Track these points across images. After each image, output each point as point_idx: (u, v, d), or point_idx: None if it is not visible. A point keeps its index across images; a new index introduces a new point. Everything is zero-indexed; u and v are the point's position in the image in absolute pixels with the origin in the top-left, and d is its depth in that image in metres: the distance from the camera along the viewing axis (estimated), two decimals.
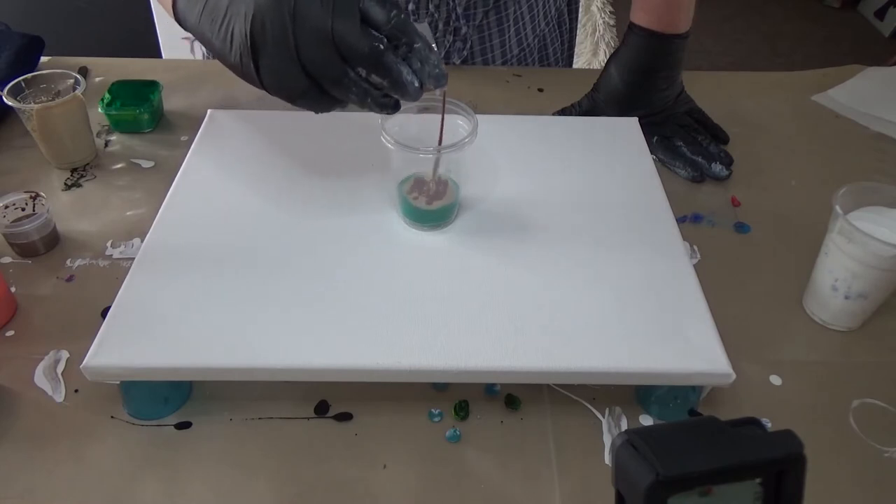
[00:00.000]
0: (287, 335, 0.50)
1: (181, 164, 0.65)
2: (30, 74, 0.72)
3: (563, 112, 0.81)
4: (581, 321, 0.52)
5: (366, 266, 0.56)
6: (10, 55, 0.82)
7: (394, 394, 0.53)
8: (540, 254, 0.57)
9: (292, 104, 0.51)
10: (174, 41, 1.60)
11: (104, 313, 0.57)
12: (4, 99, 0.70)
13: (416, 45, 0.48)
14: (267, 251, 0.57)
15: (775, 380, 0.56)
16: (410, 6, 0.83)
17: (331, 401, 0.53)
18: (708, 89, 0.86)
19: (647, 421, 0.53)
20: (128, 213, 0.69)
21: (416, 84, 0.49)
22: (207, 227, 0.59)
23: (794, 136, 0.82)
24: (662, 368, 0.49)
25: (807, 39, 2.91)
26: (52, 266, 0.63)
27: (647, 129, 0.73)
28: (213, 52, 0.53)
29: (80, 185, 0.72)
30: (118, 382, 0.50)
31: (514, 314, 0.52)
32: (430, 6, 0.84)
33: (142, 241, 0.61)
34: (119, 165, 0.75)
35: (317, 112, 0.52)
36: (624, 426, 0.52)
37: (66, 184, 0.73)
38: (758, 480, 0.29)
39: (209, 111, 0.72)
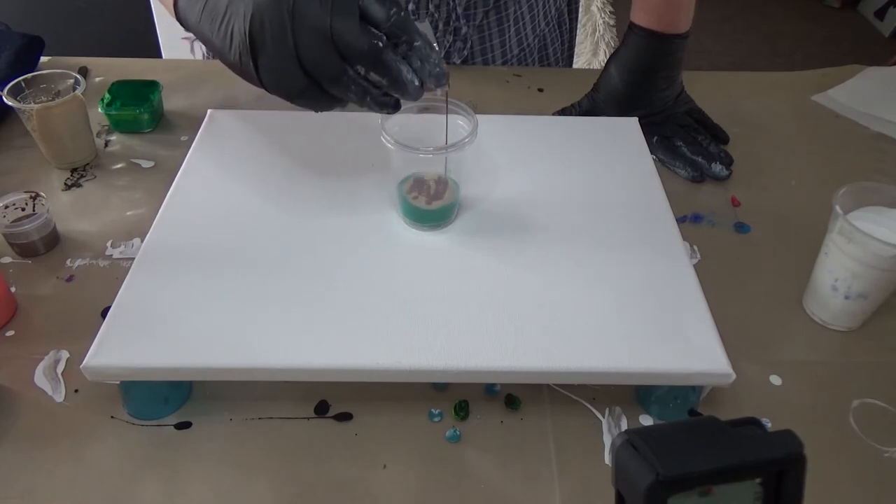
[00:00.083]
0: (287, 335, 0.50)
1: (181, 164, 0.65)
2: (30, 74, 0.72)
3: (563, 112, 0.81)
4: (581, 321, 0.52)
5: (366, 266, 0.56)
6: (10, 55, 0.82)
7: (394, 394, 0.53)
8: (540, 254, 0.57)
9: (292, 103, 0.51)
10: (174, 41, 1.61)
11: (104, 313, 0.57)
12: (4, 99, 0.70)
13: (416, 44, 0.48)
14: (267, 251, 0.57)
15: (775, 380, 0.56)
16: (410, 6, 0.83)
17: (331, 401, 0.53)
18: (708, 89, 0.86)
19: (647, 421, 0.53)
20: (128, 213, 0.69)
21: (416, 83, 0.49)
22: (207, 227, 0.59)
23: (794, 136, 0.82)
24: (662, 368, 0.49)
25: (807, 39, 2.91)
26: (52, 266, 0.63)
27: (647, 129, 0.73)
28: (213, 51, 0.53)
29: (80, 185, 0.72)
30: (118, 382, 0.50)
31: (514, 314, 0.52)
32: (430, 6, 0.84)
33: (142, 241, 0.61)
34: (119, 165, 0.75)
35: (316, 111, 0.52)
36: (624, 426, 0.52)
37: (66, 184, 0.73)
38: (758, 480, 0.29)
39: (209, 111, 0.72)
